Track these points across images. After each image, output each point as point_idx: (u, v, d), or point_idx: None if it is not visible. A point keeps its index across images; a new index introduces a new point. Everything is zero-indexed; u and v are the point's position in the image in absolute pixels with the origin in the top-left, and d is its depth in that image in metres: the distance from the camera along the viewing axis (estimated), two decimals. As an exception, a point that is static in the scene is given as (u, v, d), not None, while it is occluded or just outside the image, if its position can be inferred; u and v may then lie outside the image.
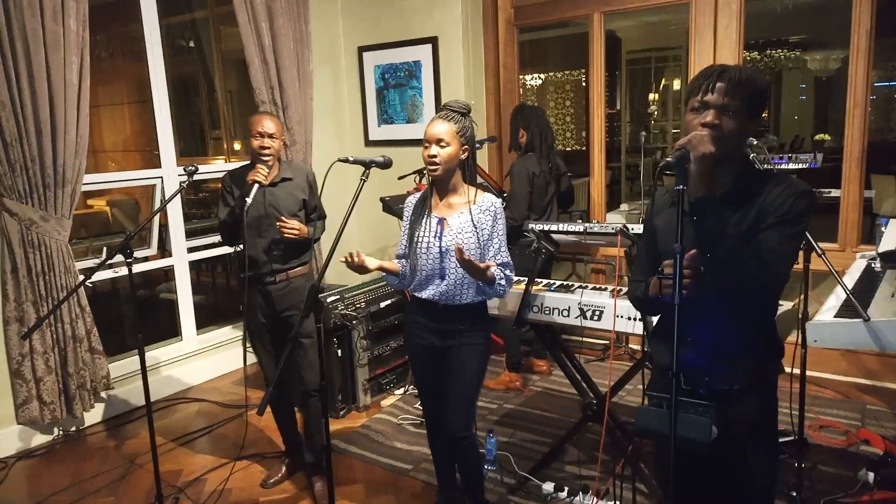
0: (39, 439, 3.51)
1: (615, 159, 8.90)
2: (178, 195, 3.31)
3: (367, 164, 2.22)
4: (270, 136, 2.75)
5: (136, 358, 4.04)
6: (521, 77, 7.58)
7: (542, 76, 9.16)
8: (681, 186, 1.46)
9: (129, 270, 2.50)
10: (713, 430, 1.51)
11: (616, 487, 2.72)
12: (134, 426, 3.69)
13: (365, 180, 2.17)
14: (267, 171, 2.74)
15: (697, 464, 1.65)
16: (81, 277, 3.39)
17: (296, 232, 2.72)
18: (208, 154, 6.83)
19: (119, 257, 2.48)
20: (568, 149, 8.99)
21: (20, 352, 3.32)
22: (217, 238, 4.53)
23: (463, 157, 2.28)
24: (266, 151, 2.75)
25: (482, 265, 2.15)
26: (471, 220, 2.27)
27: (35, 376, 3.35)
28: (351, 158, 2.26)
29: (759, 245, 1.55)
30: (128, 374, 3.84)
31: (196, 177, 2.80)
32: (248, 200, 2.67)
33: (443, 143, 2.22)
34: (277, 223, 2.71)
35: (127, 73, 6.54)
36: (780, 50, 9.28)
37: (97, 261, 3.81)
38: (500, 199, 2.31)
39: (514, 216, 3.67)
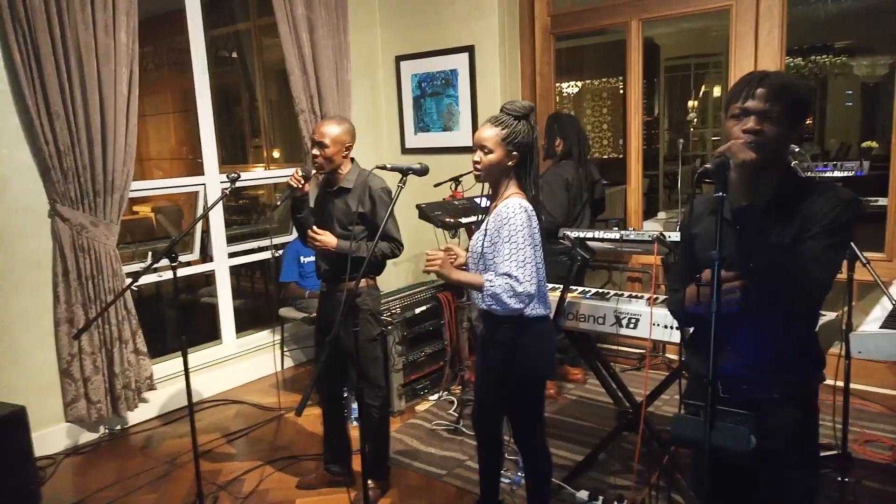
0: (86, 437, 3.63)
1: (653, 167, 8.79)
2: (220, 202, 3.40)
3: (405, 172, 2.26)
4: (320, 143, 2.71)
5: (179, 360, 4.15)
6: (557, 85, 7.56)
7: (579, 84, 9.12)
8: (721, 194, 1.46)
9: (174, 274, 2.59)
10: (752, 440, 1.49)
11: (651, 498, 2.70)
12: (175, 426, 3.79)
13: (402, 187, 2.20)
14: (302, 174, 2.73)
15: (736, 475, 1.63)
16: (128, 281, 3.52)
17: (317, 243, 2.74)
18: (248, 162, 6.99)
19: (164, 261, 2.56)
20: (605, 156, 8.92)
21: (69, 352, 3.44)
22: (256, 244, 4.64)
23: (509, 164, 2.18)
24: (316, 160, 2.75)
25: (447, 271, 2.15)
26: (487, 223, 2.23)
27: (83, 376, 3.48)
28: (389, 166, 2.31)
29: (801, 254, 1.52)
30: (170, 375, 3.94)
31: (237, 184, 2.85)
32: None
33: (486, 150, 2.18)
34: (308, 231, 2.75)
35: (172, 84, 6.75)
36: (824, 56, 9.07)
37: (143, 265, 3.94)
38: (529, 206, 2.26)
39: (554, 221, 3.65)
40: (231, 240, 4.49)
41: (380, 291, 3.02)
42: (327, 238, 2.75)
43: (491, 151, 2.17)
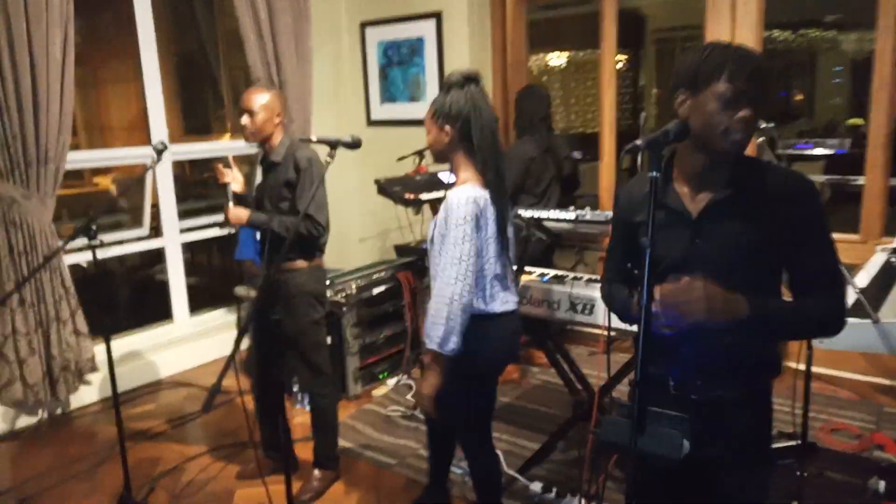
0: (24, 421, 3.46)
1: (637, 143, 8.59)
2: (153, 176, 3.21)
3: (333, 144, 2.06)
4: (249, 111, 2.50)
5: (125, 340, 4.00)
6: (543, 56, 7.32)
7: (566, 56, 8.87)
8: (654, 173, 1.30)
9: (94, 253, 2.43)
10: (684, 446, 1.35)
11: (604, 489, 2.58)
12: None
13: (330, 161, 2.02)
14: (228, 170, 2.63)
15: (681, 475, 1.50)
16: (66, 257, 3.36)
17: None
18: (213, 132, 6.75)
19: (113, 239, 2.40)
20: (588, 131, 8.72)
21: (2, 332, 3.26)
22: (213, 219, 4.44)
23: (447, 140, 2.00)
24: (245, 131, 2.54)
25: None
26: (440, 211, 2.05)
27: (18, 357, 3.29)
28: (314, 138, 2.11)
29: (807, 272, 1.44)
30: (116, 356, 3.76)
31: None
32: (230, 206, 2.58)
33: (427, 133, 2.07)
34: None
35: (135, 51, 6.45)
36: (814, 30, 8.85)
37: (90, 241, 3.74)
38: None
39: None
40: (190, 214, 4.29)
41: (325, 272, 2.85)
42: (239, 211, 2.57)
43: (428, 132, 2.06)
